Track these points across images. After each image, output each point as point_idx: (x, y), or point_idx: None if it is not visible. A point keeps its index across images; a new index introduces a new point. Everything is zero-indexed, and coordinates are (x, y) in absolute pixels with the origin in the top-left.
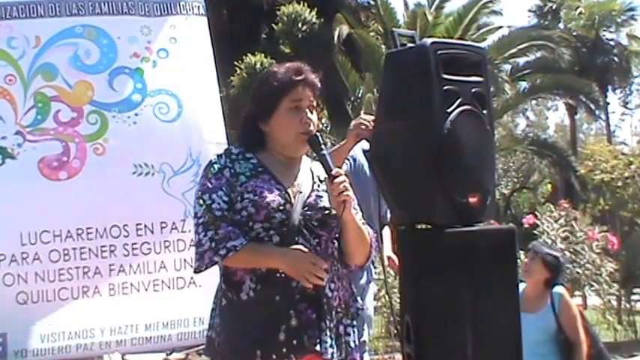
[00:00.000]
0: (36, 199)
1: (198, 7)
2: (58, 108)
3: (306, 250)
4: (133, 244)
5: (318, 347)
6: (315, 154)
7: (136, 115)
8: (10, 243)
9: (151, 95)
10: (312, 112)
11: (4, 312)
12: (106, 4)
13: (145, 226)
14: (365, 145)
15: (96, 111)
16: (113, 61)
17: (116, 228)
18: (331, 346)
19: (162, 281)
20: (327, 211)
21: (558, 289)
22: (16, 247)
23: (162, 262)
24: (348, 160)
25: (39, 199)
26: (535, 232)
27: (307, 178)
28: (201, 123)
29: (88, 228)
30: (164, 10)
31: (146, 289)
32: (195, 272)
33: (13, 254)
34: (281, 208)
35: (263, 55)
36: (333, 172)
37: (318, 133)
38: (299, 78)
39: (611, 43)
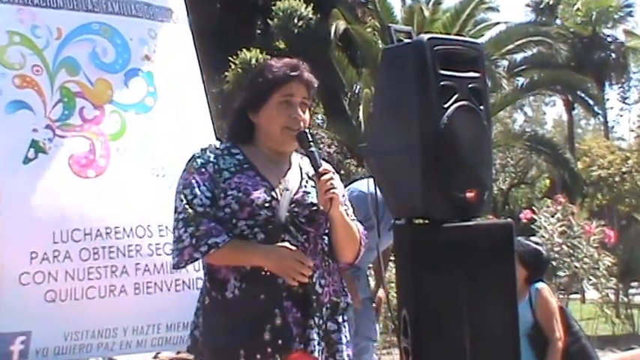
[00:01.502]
0: (68, 197)
1: (184, 17)
2: (83, 105)
3: (291, 247)
4: (156, 244)
5: (303, 346)
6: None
7: (150, 118)
8: (43, 241)
9: (161, 99)
10: (303, 111)
11: (31, 310)
12: (117, 4)
13: (167, 227)
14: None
15: (116, 111)
16: (127, 62)
17: (141, 228)
18: (319, 343)
19: (183, 281)
20: (314, 208)
21: (538, 284)
22: (48, 245)
23: None
24: (360, 193)
25: (70, 197)
26: (532, 226)
27: (295, 174)
28: (197, 130)
29: (115, 227)
30: (164, 16)
31: (169, 289)
32: (174, 268)
33: (45, 252)
34: (266, 205)
35: (258, 50)
36: (321, 169)
37: (307, 130)
38: (294, 74)
39: (609, 39)
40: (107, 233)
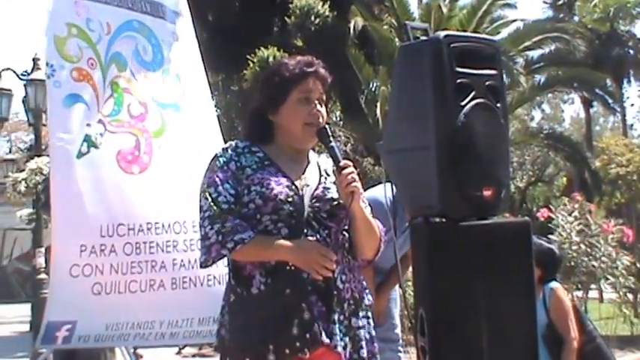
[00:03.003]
0: (114, 192)
1: (189, 21)
2: (130, 101)
3: (314, 241)
4: (190, 240)
5: (329, 340)
6: (323, 147)
7: (184, 118)
8: (91, 234)
9: (189, 99)
10: (321, 105)
11: (79, 300)
12: (149, 4)
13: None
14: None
15: (157, 109)
16: (162, 62)
17: (177, 224)
18: (341, 339)
19: (215, 277)
20: (335, 202)
21: (552, 284)
22: (96, 239)
23: None
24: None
25: (117, 192)
26: (550, 225)
27: (314, 171)
28: (211, 131)
29: (155, 223)
30: (177, 20)
31: (202, 284)
32: (201, 266)
33: (93, 245)
34: (289, 200)
35: (276, 48)
36: (342, 163)
37: (327, 125)
38: (310, 70)
39: (627, 35)
40: (148, 229)
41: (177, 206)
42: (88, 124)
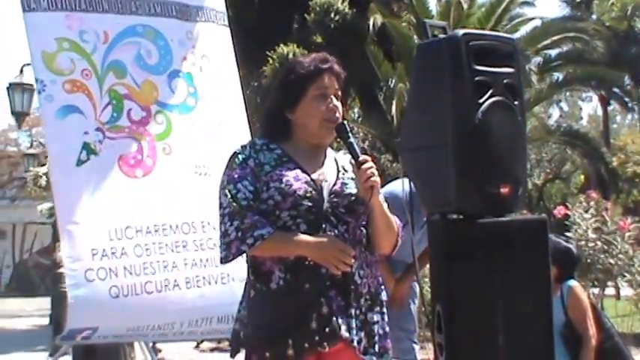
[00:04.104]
0: (118, 196)
1: (223, 17)
2: (130, 106)
3: (333, 237)
4: (200, 239)
5: (347, 334)
6: (342, 142)
7: (193, 118)
8: (100, 238)
9: (202, 99)
10: (337, 101)
11: (99, 306)
12: (159, 6)
13: (209, 223)
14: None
15: (161, 111)
16: (170, 63)
17: (186, 225)
18: (357, 333)
19: (228, 274)
20: (353, 198)
21: (569, 282)
22: (106, 242)
23: None
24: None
25: (121, 196)
26: (566, 222)
27: (332, 166)
28: (234, 128)
29: (163, 224)
30: (201, 17)
31: (216, 282)
32: (222, 262)
33: (104, 249)
34: (307, 195)
35: (295, 45)
36: (361, 158)
37: (345, 121)
38: (325, 66)
39: None
40: (156, 230)
41: (185, 207)
42: (86, 132)
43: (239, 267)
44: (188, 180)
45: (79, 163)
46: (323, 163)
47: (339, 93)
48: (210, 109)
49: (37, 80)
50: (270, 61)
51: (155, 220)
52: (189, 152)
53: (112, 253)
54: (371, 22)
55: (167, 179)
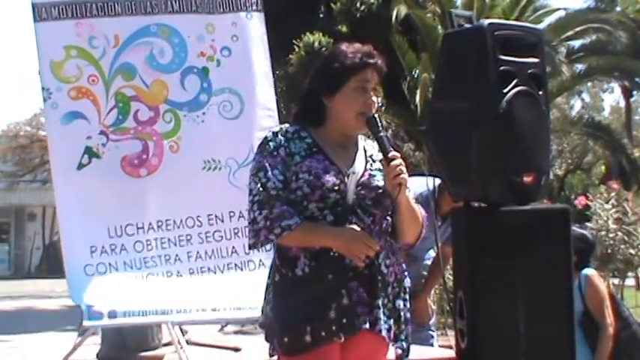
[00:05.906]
0: (119, 195)
1: (257, 1)
2: (137, 107)
3: (359, 229)
4: (206, 232)
5: (368, 326)
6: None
7: (204, 114)
8: (99, 236)
9: (216, 94)
10: (375, 96)
11: (105, 295)
12: (177, 2)
13: (216, 216)
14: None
15: (170, 110)
16: (184, 60)
17: (190, 219)
18: (385, 322)
19: (235, 264)
20: (380, 190)
21: (586, 270)
22: (105, 240)
23: (233, 247)
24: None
25: (122, 195)
26: (587, 213)
27: (360, 157)
28: (260, 118)
29: (167, 220)
30: (226, 7)
31: (222, 272)
32: (250, 248)
33: (103, 246)
34: (335, 188)
35: (321, 34)
36: (390, 155)
37: (376, 115)
38: (371, 61)
39: None
40: (159, 226)
41: (191, 202)
42: (89, 137)
43: (246, 258)
44: (195, 176)
45: (80, 166)
46: (352, 154)
47: (377, 87)
48: (227, 101)
49: (43, 89)
50: (297, 50)
51: (159, 216)
52: (198, 148)
53: (112, 250)
54: (395, 13)
55: (173, 177)
